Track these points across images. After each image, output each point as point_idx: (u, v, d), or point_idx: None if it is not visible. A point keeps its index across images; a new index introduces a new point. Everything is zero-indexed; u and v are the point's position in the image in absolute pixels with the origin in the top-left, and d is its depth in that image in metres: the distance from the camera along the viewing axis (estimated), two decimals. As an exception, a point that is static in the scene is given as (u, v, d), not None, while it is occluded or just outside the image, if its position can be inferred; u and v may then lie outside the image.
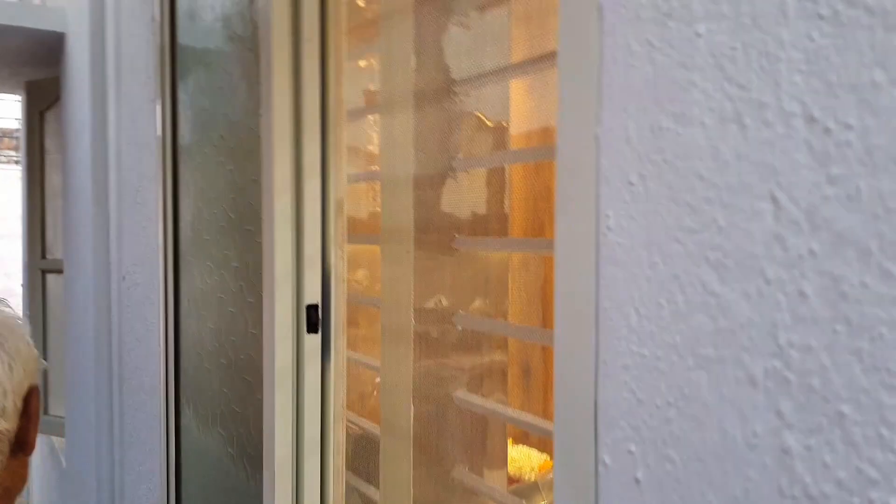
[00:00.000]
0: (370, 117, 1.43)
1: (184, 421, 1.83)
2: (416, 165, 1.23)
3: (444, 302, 1.24)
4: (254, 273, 1.42)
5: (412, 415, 1.24)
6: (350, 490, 1.39)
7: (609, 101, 0.63)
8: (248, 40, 1.44)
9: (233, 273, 1.53)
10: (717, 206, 0.55)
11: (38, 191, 3.42)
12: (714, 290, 0.56)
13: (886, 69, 0.45)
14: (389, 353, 1.28)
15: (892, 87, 0.45)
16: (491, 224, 1.24)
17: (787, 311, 0.51)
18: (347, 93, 1.32)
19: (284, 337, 1.27)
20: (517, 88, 1.32)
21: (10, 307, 0.77)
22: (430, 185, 1.22)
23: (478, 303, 1.28)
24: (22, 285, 3.65)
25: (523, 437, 2.12)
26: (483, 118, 1.24)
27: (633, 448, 0.62)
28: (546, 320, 1.66)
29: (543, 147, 1.17)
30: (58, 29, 2.83)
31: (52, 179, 3.36)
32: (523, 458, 2.05)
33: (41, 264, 3.41)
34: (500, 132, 1.26)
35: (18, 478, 0.76)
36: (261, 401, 1.32)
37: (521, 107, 1.32)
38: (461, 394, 1.22)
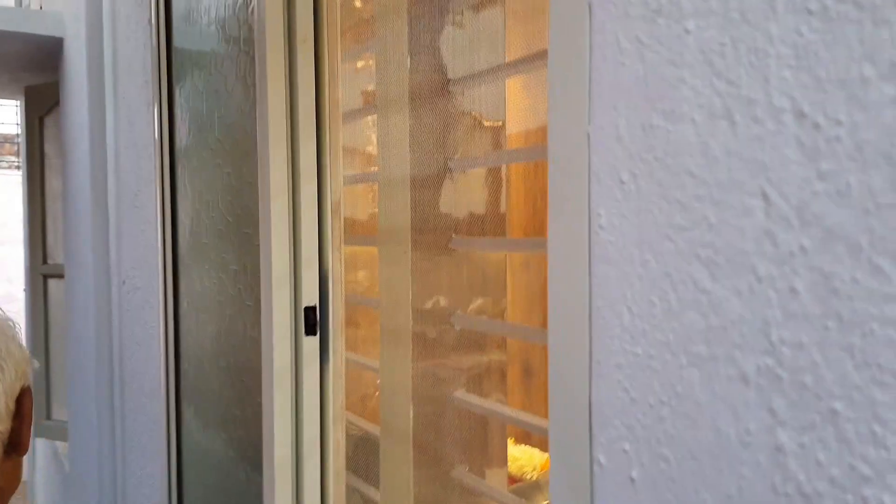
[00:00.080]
0: (369, 118, 1.43)
1: (184, 424, 1.83)
2: (412, 166, 1.23)
3: (443, 302, 1.24)
4: (252, 276, 1.42)
5: (411, 415, 1.24)
6: (351, 491, 1.39)
7: (599, 99, 0.63)
8: (243, 42, 1.44)
9: (231, 276, 1.53)
10: (707, 203, 0.55)
11: (39, 196, 3.42)
12: (705, 287, 0.55)
13: (875, 64, 0.45)
14: (388, 353, 1.28)
15: (881, 82, 0.45)
16: (488, 224, 1.24)
17: (778, 308, 0.51)
18: (345, 94, 1.32)
19: (283, 339, 1.27)
20: (513, 87, 1.32)
21: (1, 309, 0.77)
22: (426, 185, 1.22)
23: (476, 303, 1.27)
24: (24, 290, 3.65)
25: (525, 437, 2.12)
26: (479, 118, 1.24)
27: (627, 447, 0.62)
28: (546, 320, 1.66)
29: (539, 146, 1.16)
30: (56, 34, 2.83)
31: (53, 184, 3.36)
32: (525, 457, 2.05)
33: (42, 269, 3.41)
34: (497, 132, 1.25)
35: (12, 478, 0.77)
36: (260, 403, 1.32)
37: (518, 106, 1.32)
38: (460, 394, 1.22)
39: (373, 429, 1.38)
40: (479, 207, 1.24)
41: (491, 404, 1.20)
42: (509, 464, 1.99)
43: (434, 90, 1.21)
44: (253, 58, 1.34)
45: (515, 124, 1.32)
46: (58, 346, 3.30)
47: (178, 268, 1.83)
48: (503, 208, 1.26)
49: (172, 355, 1.83)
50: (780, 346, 0.51)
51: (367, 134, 1.46)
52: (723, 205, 0.54)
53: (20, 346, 0.76)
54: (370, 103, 1.43)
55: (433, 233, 1.22)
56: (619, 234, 0.62)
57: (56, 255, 3.35)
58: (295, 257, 1.27)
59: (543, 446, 1.98)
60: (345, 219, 1.33)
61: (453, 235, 1.21)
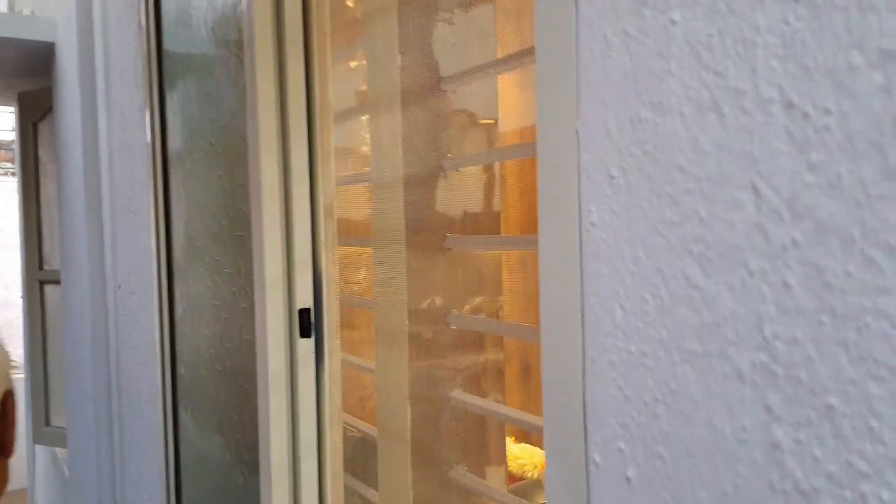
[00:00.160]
0: (362, 118, 1.42)
1: (182, 427, 1.82)
2: (405, 165, 1.22)
3: (438, 302, 1.23)
4: (246, 279, 1.41)
5: (409, 416, 1.23)
6: (349, 493, 1.38)
7: (587, 94, 0.62)
8: (233, 44, 1.43)
9: (226, 279, 1.52)
10: (697, 197, 0.54)
11: (34, 202, 3.41)
12: (698, 283, 0.54)
13: (863, 51, 0.44)
14: (384, 354, 1.27)
15: (869, 70, 0.44)
16: (482, 222, 1.23)
17: (771, 303, 0.50)
18: (337, 94, 1.31)
19: (277, 342, 1.26)
20: (505, 84, 1.31)
21: None
22: (420, 184, 1.21)
23: (472, 302, 1.27)
24: (21, 297, 3.64)
25: (526, 435, 2.11)
26: (471, 115, 1.23)
27: (622, 446, 0.61)
28: (542, 317, 1.65)
29: (530, 144, 1.16)
30: (48, 39, 2.82)
31: (48, 190, 3.36)
32: (526, 456, 2.04)
33: (39, 275, 3.40)
34: (489, 129, 1.24)
35: (0, 480, 0.77)
36: (257, 406, 1.32)
37: (510, 103, 1.31)
38: (457, 393, 1.21)
39: (370, 430, 1.37)
40: (474, 206, 1.23)
41: (488, 404, 1.19)
42: (510, 462, 1.98)
43: (426, 88, 1.20)
44: (243, 60, 1.33)
45: (508, 122, 1.32)
46: (57, 352, 3.29)
47: (173, 271, 1.82)
48: (497, 206, 1.25)
49: (169, 359, 1.82)
50: (774, 342, 0.50)
51: (361, 134, 1.45)
52: (713, 199, 0.53)
53: (2, 349, 0.76)
54: (363, 103, 1.42)
55: (428, 232, 1.21)
56: (610, 230, 0.61)
57: (52, 261, 3.34)
58: (288, 259, 1.26)
59: (544, 444, 1.96)
60: (339, 220, 1.32)
61: (448, 234, 1.20)
